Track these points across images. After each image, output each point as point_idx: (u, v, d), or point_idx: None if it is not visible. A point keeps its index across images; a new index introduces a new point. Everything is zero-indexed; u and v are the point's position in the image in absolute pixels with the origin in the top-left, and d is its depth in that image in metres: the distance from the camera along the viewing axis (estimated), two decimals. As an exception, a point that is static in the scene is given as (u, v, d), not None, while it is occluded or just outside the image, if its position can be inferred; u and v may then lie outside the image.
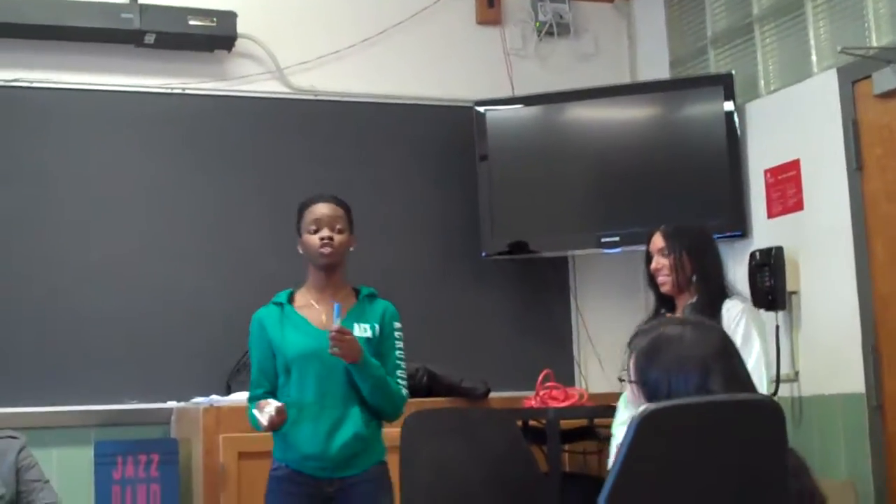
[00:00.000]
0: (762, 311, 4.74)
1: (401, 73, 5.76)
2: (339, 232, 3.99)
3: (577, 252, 5.76)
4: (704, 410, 2.40)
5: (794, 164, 5.08)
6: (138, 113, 5.33)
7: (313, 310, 4.00)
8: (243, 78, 5.51)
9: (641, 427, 2.27)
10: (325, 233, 3.96)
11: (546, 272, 5.81)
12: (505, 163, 5.63)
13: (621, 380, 2.72)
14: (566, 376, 5.46)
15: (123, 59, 5.31)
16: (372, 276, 5.39)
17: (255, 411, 3.76)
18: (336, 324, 3.78)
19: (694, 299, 4.03)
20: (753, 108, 5.38)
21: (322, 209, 4.02)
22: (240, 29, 5.36)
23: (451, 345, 5.50)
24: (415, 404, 4.27)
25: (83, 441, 4.92)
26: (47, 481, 4.01)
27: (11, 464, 3.95)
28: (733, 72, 5.42)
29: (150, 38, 5.25)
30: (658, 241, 4.12)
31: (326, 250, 3.96)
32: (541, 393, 4.93)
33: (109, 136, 5.27)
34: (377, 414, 3.93)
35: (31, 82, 5.17)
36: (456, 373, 5.14)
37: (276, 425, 3.76)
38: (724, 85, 5.40)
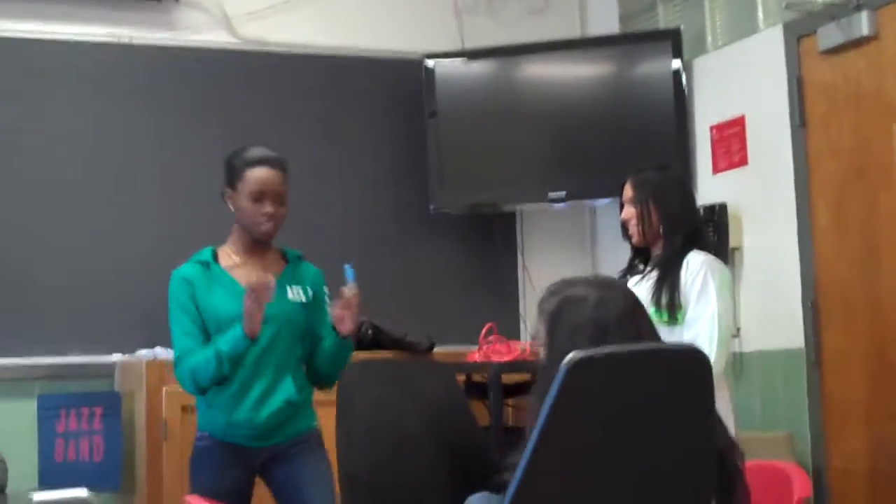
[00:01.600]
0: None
1: (351, 25, 5.72)
2: (282, 204, 3.78)
3: (525, 207, 5.77)
4: (631, 359, 2.41)
5: (740, 121, 5.10)
6: (84, 63, 5.25)
7: (241, 270, 3.75)
8: (191, 28, 5.46)
9: (569, 375, 2.28)
10: (269, 208, 3.72)
11: (493, 227, 5.82)
12: (454, 116, 5.62)
13: (532, 344, 2.71)
14: (512, 331, 5.47)
15: (69, 7, 5.24)
16: (319, 231, 5.43)
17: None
18: (350, 286, 3.69)
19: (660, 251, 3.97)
20: (700, 64, 5.39)
21: (269, 177, 3.74)
22: (187, -22, 5.33)
23: (397, 299, 5.49)
24: (359, 358, 4.26)
25: (26, 394, 4.90)
26: (-13, 433, 4.00)
27: (-50, 416, 3.92)
28: (681, 27, 5.42)
29: (96, -14, 5.19)
30: (627, 190, 4.01)
31: (267, 227, 3.74)
32: (484, 347, 4.93)
33: (54, 88, 5.20)
34: (320, 380, 3.82)
35: (-29, 31, 5.11)
36: (400, 327, 5.15)
37: (265, 297, 3.53)
38: (672, 40, 5.41)
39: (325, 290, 3.89)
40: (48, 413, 4.79)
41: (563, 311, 2.57)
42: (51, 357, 4.94)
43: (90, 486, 4.33)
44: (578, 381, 2.29)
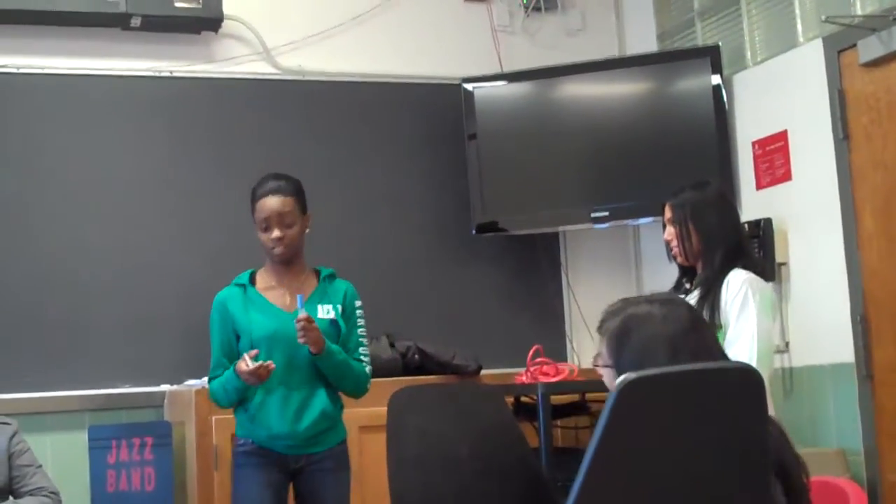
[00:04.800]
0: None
1: (388, 52, 5.75)
2: (290, 226, 4.04)
3: (568, 228, 5.76)
4: (683, 378, 2.40)
5: (782, 135, 5.08)
6: (126, 97, 5.32)
7: (276, 292, 4.09)
8: (231, 59, 5.51)
9: (621, 397, 2.27)
10: (275, 233, 4.02)
11: (537, 248, 5.81)
12: (494, 139, 5.63)
13: (595, 365, 2.70)
14: (558, 352, 5.47)
15: (110, 42, 5.30)
16: (363, 256, 5.46)
17: (240, 365, 3.82)
18: (301, 313, 3.86)
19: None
20: (740, 80, 5.37)
21: (270, 205, 4.03)
22: (226, 10, 5.35)
23: (442, 323, 5.52)
24: (406, 381, 4.30)
25: (77, 426, 4.94)
26: (40, 466, 4.02)
27: (3, 450, 3.96)
28: (720, 44, 5.42)
29: (136, 21, 5.23)
30: (667, 210, 4.01)
31: (278, 251, 4.03)
32: (531, 369, 4.93)
33: (98, 121, 5.26)
34: (341, 392, 4.09)
35: (19, 68, 5.16)
36: (447, 350, 5.16)
37: (261, 378, 3.82)
38: (711, 57, 5.40)
39: (357, 303, 4.16)
40: (99, 444, 4.81)
41: (629, 330, 2.56)
42: (100, 389, 4.97)
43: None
44: (631, 401, 2.29)
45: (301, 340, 3.87)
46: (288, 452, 4.00)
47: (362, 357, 4.12)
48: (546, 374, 4.84)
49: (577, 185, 5.63)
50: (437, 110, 5.75)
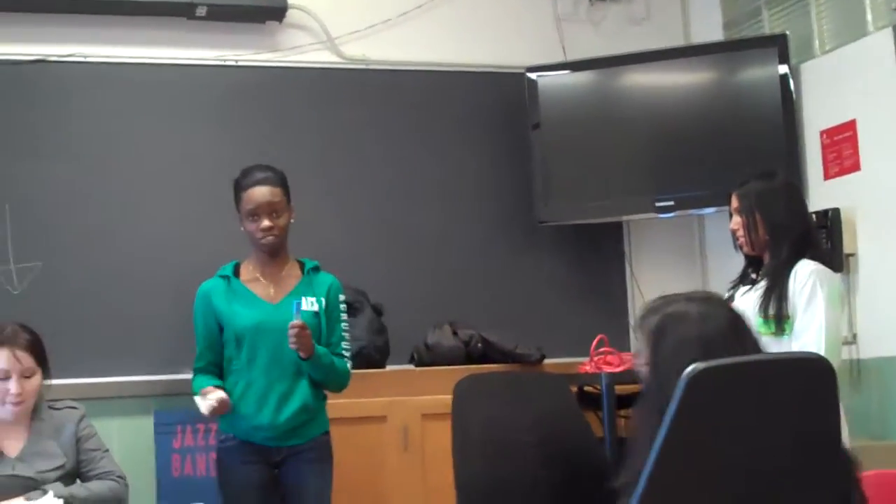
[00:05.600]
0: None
1: (452, 41, 5.75)
2: (278, 216, 4.08)
3: (632, 217, 5.73)
4: (752, 369, 2.38)
5: (851, 125, 5.02)
6: (192, 86, 5.37)
7: (260, 283, 4.13)
8: (295, 48, 5.53)
9: (689, 387, 2.26)
10: (265, 223, 4.06)
11: (600, 238, 5.79)
12: (557, 128, 5.61)
13: (635, 363, 2.69)
14: (621, 342, 5.43)
15: (176, 31, 5.34)
16: (426, 246, 5.47)
17: (198, 398, 3.95)
18: (296, 320, 3.90)
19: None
20: (808, 69, 5.31)
21: (258, 195, 4.07)
22: (290, -1, 5.39)
23: (505, 312, 5.52)
24: (469, 370, 4.31)
25: (144, 411, 5.00)
26: (107, 450, 4.04)
27: (71, 434, 3.98)
28: (787, 32, 5.35)
29: (201, 11, 5.27)
30: (734, 200, 4.00)
31: (268, 240, 4.07)
32: (595, 358, 4.92)
33: (164, 110, 5.31)
34: (323, 388, 4.15)
35: (87, 56, 5.21)
36: (510, 339, 5.15)
37: (217, 413, 3.95)
38: (779, 46, 5.34)
39: (341, 297, 4.20)
40: (165, 429, 4.87)
41: (666, 327, 2.54)
42: (166, 374, 5.01)
43: (207, 502, 4.39)
44: (699, 392, 2.27)
45: (293, 346, 3.91)
46: (269, 444, 4.05)
47: (344, 352, 4.17)
48: (610, 364, 4.83)
49: (641, 174, 5.60)
50: (500, 99, 5.73)
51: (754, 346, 2.58)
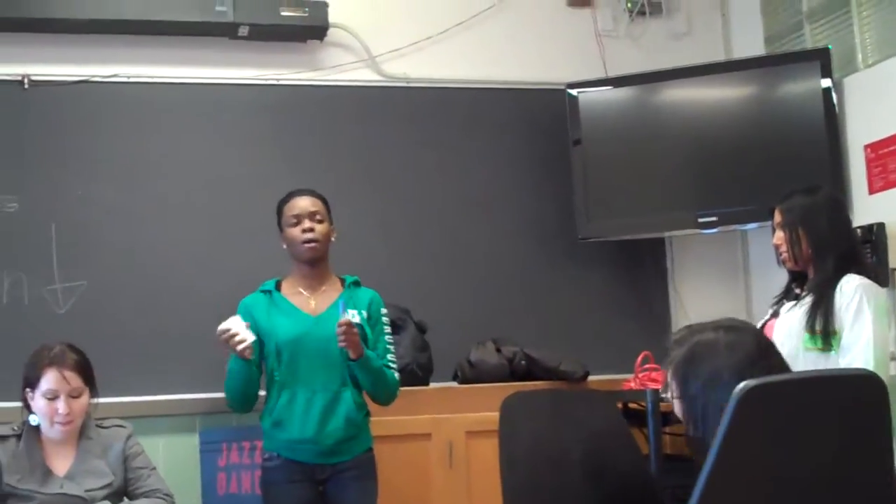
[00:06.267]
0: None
1: (492, 58, 5.76)
2: (319, 221, 4.16)
3: (674, 233, 5.71)
4: (802, 386, 2.37)
5: (895, 139, 4.98)
6: (234, 104, 5.40)
7: (301, 297, 4.18)
8: (336, 67, 5.55)
9: (740, 405, 2.25)
10: (307, 223, 4.14)
11: (643, 254, 5.77)
12: (599, 144, 5.60)
13: (664, 396, 2.67)
14: (664, 359, 5.40)
15: (218, 51, 5.38)
16: (467, 261, 5.48)
17: (234, 319, 4.02)
18: (343, 317, 3.94)
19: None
20: (851, 83, 5.27)
21: (301, 202, 4.19)
22: (331, 18, 5.40)
23: (548, 328, 5.51)
24: (513, 387, 4.31)
25: (189, 429, 5.02)
26: (154, 468, 4.08)
27: (119, 452, 4.02)
28: (830, 46, 5.33)
29: (243, 31, 5.31)
30: (777, 215, 4.00)
31: (310, 242, 4.13)
32: (640, 375, 4.91)
33: (206, 129, 5.35)
34: (372, 399, 4.17)
35: (129, 77, 5.26)
36: (554, 356, 5.14)
37: (232, 344, 3.97)
38: (821, 60, 5.31)
39: (383, 310, 4.24)
40: (210, 447, 4.87)
41: (695, 360, 2.53)
42: (211, 392, 5.01)
43: (253, 520, 4.41)
44: (751, 409, 2.26)
45: (342, 344, 3.93)
46: (314, 461, 4.06)
47: (391, 363, 4.19)
48: (655, 381, 4.81)
49: (683, 190, 5.57)
50: (541, 116, 5.74)
51: (782, 365, 2.56)
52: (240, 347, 3.98)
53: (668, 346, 2.64)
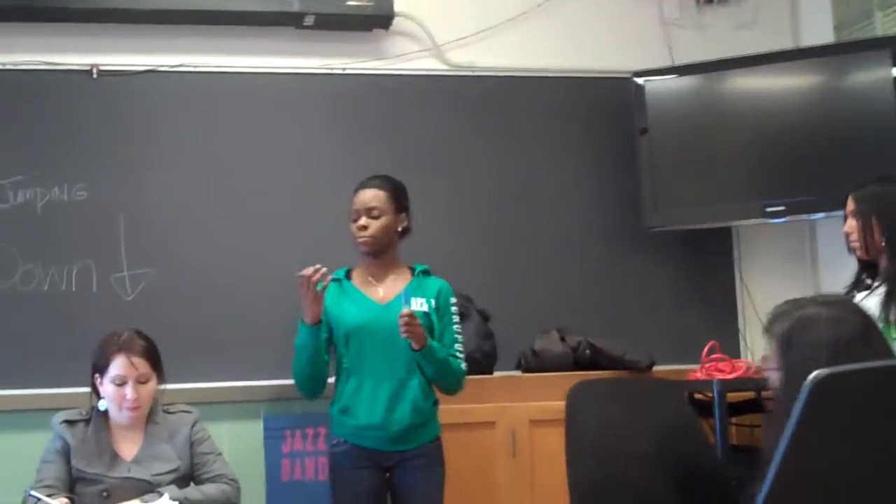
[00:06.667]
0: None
1: (558, 46, 5.73)
2: (375, 217, 4.20)
3: (741, 222, 5.66)
4: (878, 375, 2.33)
5: (967, 128, 4.91)
6: (300, 94, 5.41)
7: (370, 285, 4.24)
8: (401, 56, 5.55)
9: (814, 393, 2.22)
10: (362, 220, 4.20)
11: (709, 243, 5.72)
12: (665, 133, 5.55)
13: (762, 368, 2.65)
14: (731, 349, 5.36)
15: (284, 41, 5.40)
16: (533, 251, 5.46)
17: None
18: (406, 307, 3.97)
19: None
20: (923, 71, 5.20)
21: (362, 196, 4.25)
22: (397, 7, 5.40)
23: (613, 318, 5.48)
24: (578, 376, 4.29)
25: (253, 415, 5.04)
26: (220, 454, 4.11)
27: (186, 437, 4.05)
28: (901, 34, 5.26)
29: (309, 20, 5.32)
30: (850, 203, 3.97)
31: (364, 240, 4.20)
32: (706, 365, 4.87)
33: (272, 118, 5.36)
34: (437, 388, 4.19)
35: (196, 66, 5.29)
36: (618, 345, 5.11)
37: (311, 281, 4.03)
38: (892, 48, 5.23)
39: (452, 300, 4.27)
40: (274, 434, 4.91)
41: (795, 332, 2.51)
42: (276, 379, 5.05)
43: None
44: (823, 399, 2.23)
45: (404, 335, 3.95)
46: (381, 448, 4.09)
47: (458, 353, 4.21)
48: (721, 371, 4.78)
49: (751, 179, 5.52)
50: (607, 104, 5.70)
51: (883, 352, 2.53)
52: (317, 277, 4.04)
53: (770, 319, 2.64)
